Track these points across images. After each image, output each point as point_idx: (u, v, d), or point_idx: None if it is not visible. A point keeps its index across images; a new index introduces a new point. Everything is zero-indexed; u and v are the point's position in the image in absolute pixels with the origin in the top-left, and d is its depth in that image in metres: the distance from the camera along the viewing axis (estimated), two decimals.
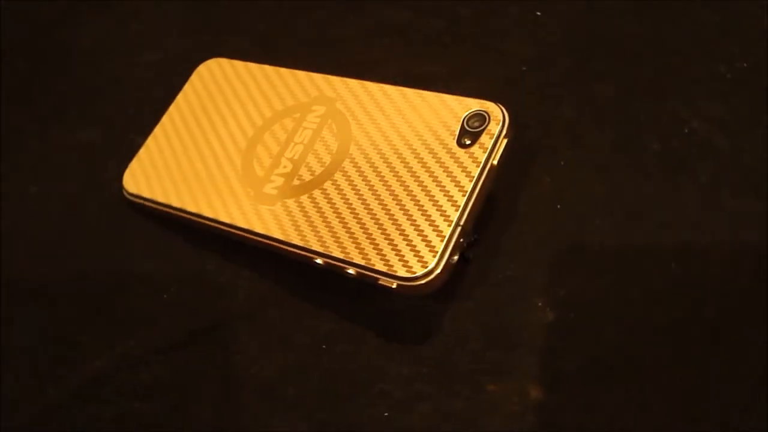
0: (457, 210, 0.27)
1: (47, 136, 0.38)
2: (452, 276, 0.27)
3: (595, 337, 0.30)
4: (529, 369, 0.29)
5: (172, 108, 0.36)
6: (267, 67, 0.35)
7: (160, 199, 0.33)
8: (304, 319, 0.31)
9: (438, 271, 0.26)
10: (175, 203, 0.32)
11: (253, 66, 0.35)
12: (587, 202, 0.32)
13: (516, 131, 0.29)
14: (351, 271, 0.27)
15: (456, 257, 0.27)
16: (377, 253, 0.27)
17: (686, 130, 0.34)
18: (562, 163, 0.34)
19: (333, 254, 0.28)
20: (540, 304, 0.31)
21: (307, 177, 0.30)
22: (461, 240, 0.27)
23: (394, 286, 0.26)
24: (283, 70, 0.34)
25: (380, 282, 0.27)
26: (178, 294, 0.33)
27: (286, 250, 0.29)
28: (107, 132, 0.38)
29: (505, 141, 0.28)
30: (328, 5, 0.40)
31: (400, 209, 0.28)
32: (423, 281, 0.26)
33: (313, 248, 0.28)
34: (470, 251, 0.31)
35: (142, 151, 0.35)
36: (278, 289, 0.32)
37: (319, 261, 0.28)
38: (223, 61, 0.36)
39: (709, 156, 0.33)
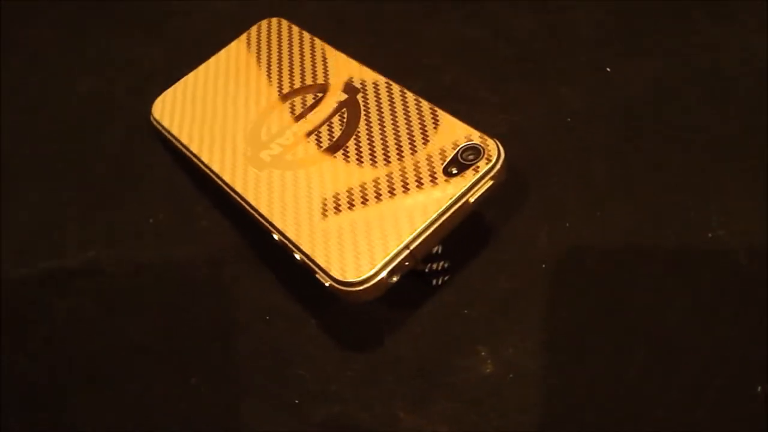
0: (411, 233, 0.26)
1: (110, 47, 0.41)
2: (412, 296, 0.28)
3: (519, 407, 0.28)
4: (446, 411, 0.28)
5: (222, 52, 0.37)
6: (317, 41, 0.36)
7: (174, 132, 0.34)
8: (265, 287, 0.32)
9: (367, 285, 0.26)
10: (184, 140, 0.34)
11: (306, 36, 0.36)
12: (578, 273, 0.31)
13: (510, 177, 0.28)
14: (297, 256, 0.28)
15: (395, 278, 0.26)
16: (324, 248, 0.27)
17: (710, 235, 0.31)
18: (567, 224, 0.32)
19: (287, 234, 0.28)
20: (483, 353, 0.30)
21: (300, 155, 0.31)
22: (406, 263, 0.26)
23: (326, 284, 0.27)
24: (330, 49, 0.35)
25: (316, 276, 0.27)
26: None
27: (253, 216, 0.30)
28: (168, 56, 0.40)
29: (490, 183, 0.27)
30: (413, 8, 0.40)
31: (364, 214, 0.28)
32: (351, 289, 0.26)
33: (272, 222, 0.29)
34: (439, 279, 0.30)
35: (179, 84, 0.36)
36: (250, 252, 0.33)
37: (275, 236, 0.29)
38: (284, 23, 0.37)
39: None
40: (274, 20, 0.38)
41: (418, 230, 0.26)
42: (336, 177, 0.29)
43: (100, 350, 0.32)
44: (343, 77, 0.33)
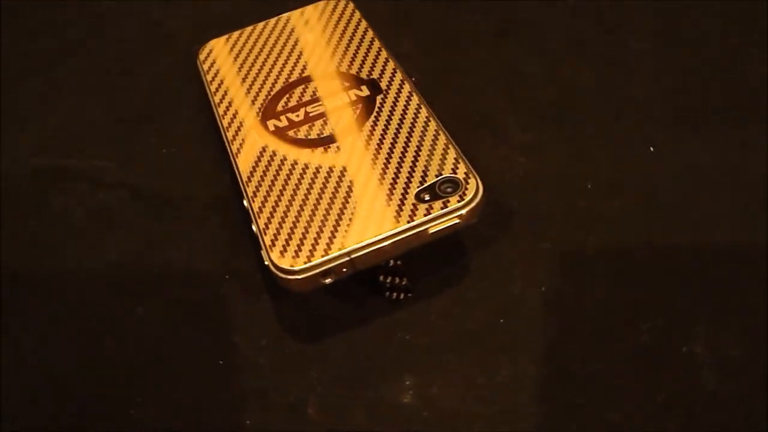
0: (356, 243, 0.26)
1: None
2: (367, 302, 0.28)
3: None
4: (354, 421, 0.28)
5: (283, 16, 0.38)
6: (370, 33, 0.36)
7: (208, 77, 0.35)
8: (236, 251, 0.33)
9: (298, 277, 0.26)
10: (212, 88, 0.35)
11: (363, 24, 0.36)
12: (534, 334, 0.30)
13: (505, 220, 0.27)
14: (253, 227, 0.28)
15: (329, 280, 0.26)
16: (275, 228, 0.27)
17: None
18: (543, 288, 0.31)
19: (252, 204, 0.29)
20: (407, 383, 0.29)
21: (300, 135, 0.31)
22: (344, 270, 0.26)
23: (266, 262, 0.27)
24: (377, 44, 0.35)
25: (261, 251, 0.27)
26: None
27: (236, 176, 0.30)
28: (237, 4, 0.41)
29: (455, 221, 0.27)
30: (483, 30, 0.40)
31: (328, 208, 0.28)
32: (282, 275, 0.26)
33: (246, 188, 0.29)
34: (394, 294, 0.30)
35: (232, 34, 0.37)
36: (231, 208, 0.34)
37: (244, 202, 0.29)
38: (350, 6, 0.37)
39: None
40: (342, 1, 0.38)
41: (364, 243, 0.26)
42: (320, 166, 0.30)
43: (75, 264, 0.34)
44: (375, 73, 0.33)
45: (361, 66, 0.34)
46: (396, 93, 0.32)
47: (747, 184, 0.32)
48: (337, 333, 0.30)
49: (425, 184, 0.28)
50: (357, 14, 0.37)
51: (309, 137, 0.31)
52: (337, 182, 0.29)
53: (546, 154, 0.34)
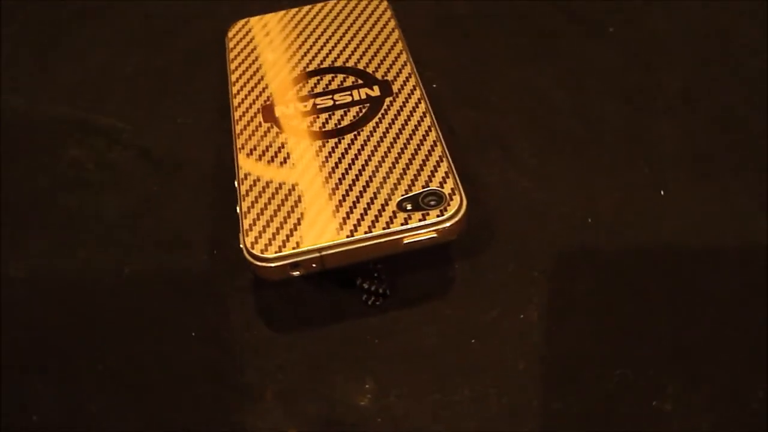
0: (328, 242, 0.26)
1: None
2: (343, 300, 0.28)
3: None
4: (307, 413, 0.28)
5: (317, 5, 0.38)
6: (396, 34, 0.36)
7: (230, 56, 0.36)
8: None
9: (266, 265, 0.26)
10: (232, 66, 0.35)
11: (392, 24, 0.36)
12: (502, 356, 0.29)
13: (477, 241, 0.27)
14: (237, 208, 0.29)
15: (298, 273, 0.27)
16: (256, 214, 0.28)
17: None
18: (521, 315, 0.30)
19: (240, 186, 0.29)
20: (367, 386, 0.29)
21: (302, 125, 0.31)
22: (313, 265, 0.26)
23: (241, 245, 0.27)
24: (401, 47, 0.35)
25: (239, 234, 0.28)
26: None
27: (231, 155, 0.31)
28: None
29: (432, 235, 0.26)
30: (517, 45, 0.39)
31: (311, 201, 0.28)
32: (251, 260, 0.27)
33: (239, 169, 0.30)
34: (371, 299, 0.30)
35: (267, 17, 0.38)
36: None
37: (235, 182, 0.30)
38: (383, 4, 0.37)
39: None
40: None
41: (336, 242, 0.26)
42: (314, 159, 0.30)
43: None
44: (390, 76, 0.33)
45: (379, 65, 0.34)
46: (405, 98, 0.32)
47: (751, 244, 0.31)
48: (310, 326, 0.30)
49: (409, 194, 0.27)
50: (388, 13, 0.37)
51: (311, 129, 0.31)
52: (325, 178, 0.29)
53: (553, 184, 0.34)
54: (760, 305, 0.29)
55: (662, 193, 0.33)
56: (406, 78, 0.33)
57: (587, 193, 0.33)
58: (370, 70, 0.34)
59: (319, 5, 0.38)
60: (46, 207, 0.35)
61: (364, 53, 0.34)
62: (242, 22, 0.38)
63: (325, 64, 0.34)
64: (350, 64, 0.34)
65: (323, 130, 0.31)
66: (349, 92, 0.32)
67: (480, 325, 0.30)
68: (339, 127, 0.31)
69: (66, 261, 0.33)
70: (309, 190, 0.29)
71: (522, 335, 0.30)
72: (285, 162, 0.30)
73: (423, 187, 0.28)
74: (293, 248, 0.26)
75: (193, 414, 0.29)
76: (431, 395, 0.29)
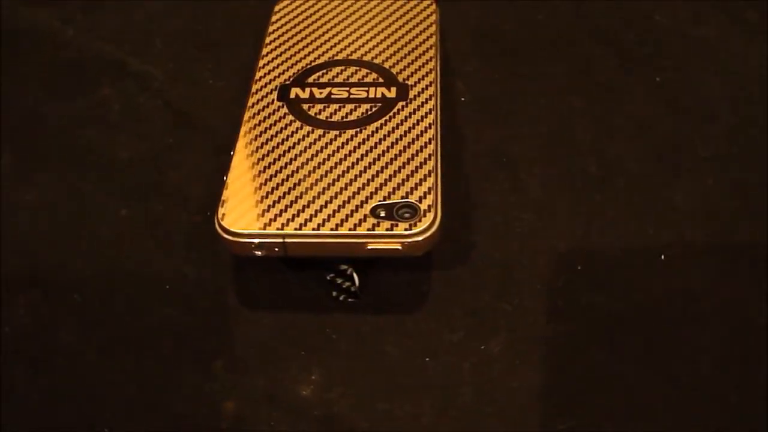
0: (292, 229, 0.27)
1: None
2: (311, 290, 0.29)
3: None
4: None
5: None
6: (432, 41, 0.35)
7: (269, 29, 0.36)
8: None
9: (231, 238, 0.27)
10: (266, 40, 0.36)
11: (431, 30, 0.36)
12: (450, 382, 0.29)
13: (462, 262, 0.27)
14: (225, 177, 0.29)
15: (260, 253, 0.27)
16: (238, 188, 0.28)
17: None
18: (482, 347, 0.30)
19: (233, 159, 0.30)
20: (313, 377, 0.29)
21: (312, 112, 0.32)
22: (276, 249, 0.27)
23: (215, 214, 0.28)
24: (432, 54, 0.34)
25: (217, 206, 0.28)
26: None
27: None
28: None
29: (397, 247, 0.26)
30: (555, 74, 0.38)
31: (291, 189, 0.28)
32: (219, 231, 0.28)
33: (236, 141, 0.31)
34: (341, 296, 0.30)
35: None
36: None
37: (231, 152, 0.30)
38: (431, 8, 0.37)
39: None
40: (429, 1, 0.37)
41: (300, 233, 0.27)
42: (310, 146, 0.30)
43: None
44: (412, 80, 0.33)
45: (404, 68, 0.33)
46: (418, 105, 0.32)
47: (746, 329, 0.30)
48: (276, 307, 0.31)
49: (386, 201, 0.27)
50: (433, 18, 0.36)
51: (317, 116, 0.31)
52: (313, 168, 0.29)
53: (553, 220, 0.33)
54: (739, 382, 0.28)
55: (662, 257, 0.32)
56: (426, 86, 0.33)
57: (585, 239, 0.32)
58: (394, 70, 0.33)
59: None
60: (64, 137, 0.36)
61: (394, 53, 0.34)
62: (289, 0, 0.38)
63: (354, 56, 0.34)
64: (377, 60, 0.34)
65: (328, 120, 0.31)
66: (366, 88, 0.32)
67: (439, 345, 0.30)
68: (344, 120, 0.31)
69: (67, 193, 0.34)
70: (294, 176, 0.29)
71: (477, 365, 0.29)
72: (282, 143, 0.30)
73: (401, 198, 0.27)
74: (259, 229, 0.27)
75: (140, 366, 0.30)
76: (372, 403, 0.29)
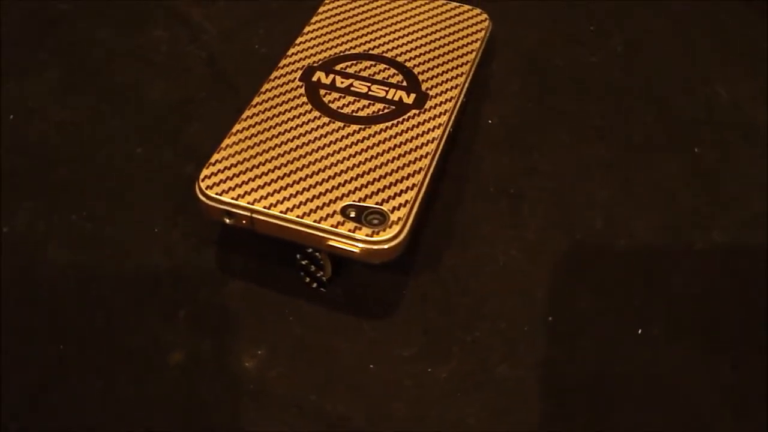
0: (262, 207, 0.27)
1: None
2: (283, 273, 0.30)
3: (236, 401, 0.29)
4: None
5: (436, 0, 0.38)
6: (476, 53, 0.35)
7: (319, 10, 0.37)
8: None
9: (203, 200, 0.28)
10: (311, 20, 0.36)
11: (477, 44, 0.35)
12: (388, 394, 0.29)
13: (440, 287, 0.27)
14: (222, 144, 0.30)
15: (229, 221, 0.28)
16: (228, 153, 0.29)
17: None
18: (429, 370, 0.30)
19: (234, 124, 0.31)
20: (260, 352, 0.30)
21: (326, 99, 0.32)
22: (243, 222, 0.28)
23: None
24: (469, 66, 0.34)
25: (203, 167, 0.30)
26: None
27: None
28: None
29: (355, 250, 0.26)
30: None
31: (275, 168, 0.29)
32: (196, 193, 0.28)
33: (245, 109, 0.31)
34: (308, 279, 0.31)
35: None
36: None
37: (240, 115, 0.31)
38: (484, 24, 0.37)
39: None
40: (479, 12, 0.37)
41: (268, 213, 0.27)
42: (311, 132, 0.30)
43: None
44: (433, 92, 0.33)
45: (432, 77, 0.33)
46: (430, 117, 0.31)
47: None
48: (249, 277, 0.32)
49: (359, 203, 0.27)
50: (481, 34, 0.36)
51: (329, 104, 0.32)
52: (304, 154, 0.29)
53: (543, 266, 0.32)
54: None
55: (639, 331, 0.30)
56: (446, 100, 0.32)
57: (566, 293, 0.31)
58: (421, 77, 0.33)
59: (425, 1, 0.38)
60: (108, 65, 0.38)
61: (427, 60, 0.34)
62: None
63: (388, 54, 0.34)
64: (408, 64, 0.34)
65: (338, 110, 0.31)
66: (386, 88, 0.32)
67: (388, 356, 0.30)
68: (352, 114, 0.31)
69: (94, 118, 0.36)
70: (283, 156, 0.29)
71: (418, 386, 0.29)
72: (285, 122, 0.31)
73: (376, 203, 0.27)
74: (231, 198, 0.27)
75: (111, 293, 0.31)
76: (306, 393, 0.29)
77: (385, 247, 0.26)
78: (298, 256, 0.30)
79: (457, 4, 0.37)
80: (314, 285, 0.31)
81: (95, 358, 0.29)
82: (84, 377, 0.29)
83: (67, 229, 0.33)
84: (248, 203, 0.27)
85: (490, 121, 0.36)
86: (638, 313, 0.31)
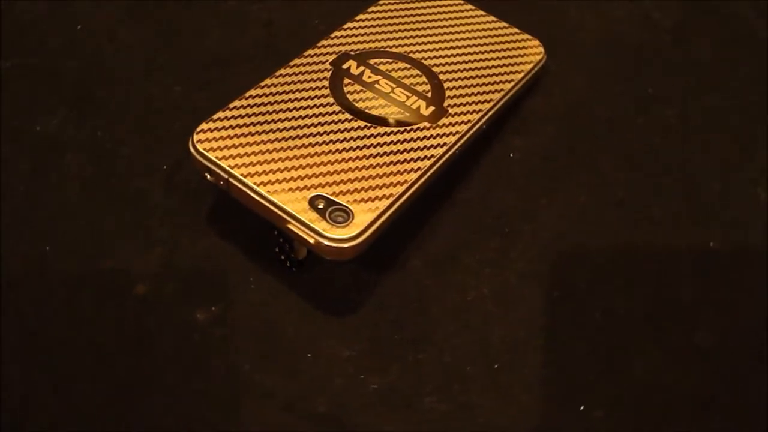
0: (241, 175, 0.28)
1: None
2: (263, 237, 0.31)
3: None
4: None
5: (489, 17, 0.37)
6: (519, 84, 0.34)
7: (378, 2, 0.37)
8: None
9: (192, 151, 0.29)
10: (368, 9, 0.37)
11: (518, 75, 0.34)
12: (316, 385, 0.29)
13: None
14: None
15: (209, 178, 0.29)
16: (230, 114, 0.30)
17: None
18: (362, 377, 0.30)
19: (251, 90, 0.32)
20: (213, 308, 0.31)
21: (348, 89, 0.32)
22: (221, 182, 0.29)
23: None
24: (503, 94, 0.33)
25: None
26: None
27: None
28: None
29: (308, 240, 0.27)
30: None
31: (270, 140, 0.30)
32: (189, 145, 0.30)
33: (268, 77, 0.32)
34: (282, 256, 0.31)
35: None
36: None
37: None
38: (536, 50, 0.36)
39: None
40: (536, 44, 0.36)
41: (241, 180, 0.28)
42: (318, 116, 0.31)
43: None
44: (453, 111, 0.32)
45: (459, 95, 0.33)
46: (438, 134, 0.31)
47: None
48: (226, 235, 0.32)
49: (330, 197, 0.27)
50: (526, 66, 0.35)
51: (347, 94, 0.32)
52: (301, 135, 0.30)
53: (509, 310, 0.31)
54: None
55: (581, 408, 0.29)
56: (463, 122, 0.32)
57: (522, 355, 0.30)
58: (448, 92, 0.33)
59: (488, 17, 0.37)
60: (169, 5, 0.40)
61: (463, 77, 0.34)
62: None
63: (426, 62, 0.34)
64: (442, 76, 0.33)
65: (353, 102, 0.31)
66: (409, 95, 0.32)
67: (328, 350, 0.30)
68: (364, 110, 0.31)
69: (141, 52, 0.38)
70: (281, 132, 0.30)
71: (346, 388, 0.29)
72: (297, 100, 0.31)
73: (347, 202, 0.27)
74: (215, 157, 0.28)
75: (98, 214, 0.33)
76: (242, 361, 0.30)
77: (339, 245, 0.26)
78: (275, 232, 0.30)
79: (517, 30, 0.36)
80: (287, 264, 0.31)
81: (69, 270, 0.31)
82: (51, 287, 0.31)
83: (90, 141, 0.35)
84: (228, 166, 0.28)
85: (512, 155, 0.35)
86: (588, 389, 0.29)
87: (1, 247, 0.32)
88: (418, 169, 0.29)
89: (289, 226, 0.27)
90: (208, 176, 0.29)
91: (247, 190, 0.28)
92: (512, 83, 0.34)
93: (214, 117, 0.30)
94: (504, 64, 0.35)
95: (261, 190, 0.28)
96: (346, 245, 0.26)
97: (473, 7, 0.37)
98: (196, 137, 0.29)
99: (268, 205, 0.27)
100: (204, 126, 0.29)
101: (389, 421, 0.29)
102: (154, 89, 0.37)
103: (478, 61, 0.34)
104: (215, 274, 0.32)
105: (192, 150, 0.29)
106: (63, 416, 0.28)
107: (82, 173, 0.34)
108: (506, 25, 0.37)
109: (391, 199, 0.28)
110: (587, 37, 0.39)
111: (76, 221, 0.33)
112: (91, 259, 0.32)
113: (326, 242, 0.26)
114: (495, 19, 0.37)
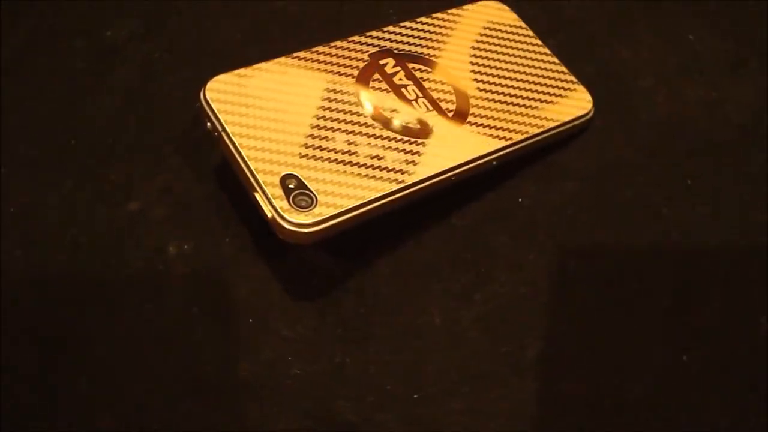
0: (233, 135, 0.29)
1: None
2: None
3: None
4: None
5: (535, 39, 0.36)
6: (552, 132, 0.33)
7: (453, 9, 0.37)
8: None
9: (200, 93, 0.30)
10: (436, 14, 0.36)
11: (558, 123, 0.33)
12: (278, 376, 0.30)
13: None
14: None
15: (209, 125, 0.30)
16: (249, 74, 0.31)
17: None
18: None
19: (275, 57, 0.32)
20: (186, 247, 0.32)
21: (371, 83, 0.32)
22: (216, 134, 0.30)
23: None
24: (521, 136, 0.32)
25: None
26: None
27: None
28: None
29: (267, 214, 0.27)
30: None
31: (276, 108, 0.30)
32: (199, 98, 0.31)
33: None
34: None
35: (514, 17, 0.37)
36: None
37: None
38: (586, 99, 0.35)
39: None
40: (587, 98, 0.35)
41: (230, 137, 0.29)
42: (333, 101, 0.31)
43: None
44: (465, 139, 0.32)
45: (480, 125, 0.32)
46: (435, 156, 0.30)
47: None
48: (224, 186, 0.33)
49: (303, 179, 0.28)
50: (563, 117, 0.34)
51: (369, 89, 0.32)
52: (308, 115, 0.30)
53: (458, 349, 0.31)
54: None
55: None
56: (467, 154, 0.31)
57: (460, 378, 0.30)
58: (471, 119, 0.32)
59: (550, 57, 0.36)
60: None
61: (495, 109, 0.33)
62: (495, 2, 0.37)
63: (465, 83, 0.33)
64: (474, 101, 0.33)
65: (369, 98, 0.32)
66: (429, 108, 0.32)
67: (270, 324, 0.31)
68: (376, 107, 0.31)
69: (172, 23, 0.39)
70: (291, 105, 0.30)
71: (271, 365, 0.30)
72: (320, 82, 0.32)
73: (317, 190, 0.28)
74: (216, 110, 0.29)
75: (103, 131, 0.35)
76: (189, 303, 0.31)
77: (291, 228, 0.27)
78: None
79: (574, 79, 0.35)
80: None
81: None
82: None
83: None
84: (224, 121, 0.29)
85: (520, 200, 0.34)
86: None
87: None
88: (401, 182, 0.29)
89: (255, 194, 0.28)
90: (209, 125, 0.30)
91: (232, 148, 0.29)
92: (539, 129, 0.33)
93: (234, 72, 0.31)
94: (542, 108, 0.33)
95: (242, 151, 0.28)
96: (299, 230, 0.27)
97: (540, 44, 0.36)
98: (209, 85, 0.30)
99: (243, 167, 0.28)
100: (221, 77, 0.31)
101: (297, 412, 0.29)
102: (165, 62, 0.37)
103: (517, 97, 0.33)
104: (199, 214, 0.33)
105: (201, 96, 0.30)
106: None
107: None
108: (565, 70, 0.35)
109: (360, 202, 0.28)
110: (650, 110, 0.37)
111: (84, 140, 0.34)
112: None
113: (280, 221, 0.27)
114: (557, 61, 0.36)
